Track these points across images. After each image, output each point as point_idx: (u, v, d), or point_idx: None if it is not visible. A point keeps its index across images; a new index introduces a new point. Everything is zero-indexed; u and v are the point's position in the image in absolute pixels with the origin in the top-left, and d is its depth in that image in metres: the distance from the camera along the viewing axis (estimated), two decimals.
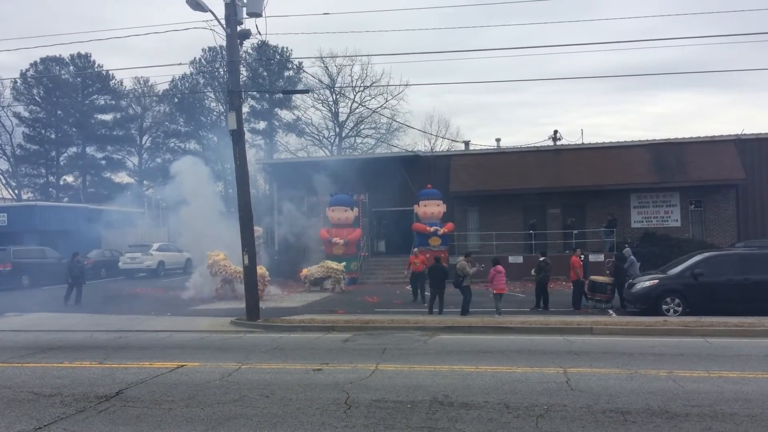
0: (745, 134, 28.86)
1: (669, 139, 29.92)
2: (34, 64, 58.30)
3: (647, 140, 30.14)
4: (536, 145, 33.31)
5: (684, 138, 29.73)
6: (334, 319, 16.71)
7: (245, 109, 53.10)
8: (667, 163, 28.41)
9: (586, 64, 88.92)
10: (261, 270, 22.65)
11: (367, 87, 52.65)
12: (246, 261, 17.10)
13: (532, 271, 19.44)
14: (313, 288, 24.87)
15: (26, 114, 58.41)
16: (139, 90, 60.42)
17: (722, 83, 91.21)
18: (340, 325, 15.54)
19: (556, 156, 30.57)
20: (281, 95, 54.45)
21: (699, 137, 29.56)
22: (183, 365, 11.29)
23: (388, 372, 10.39)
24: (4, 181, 58.99)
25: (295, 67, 55.60)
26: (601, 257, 26.02)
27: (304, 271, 25.18)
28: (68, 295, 21.69)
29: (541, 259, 19.09)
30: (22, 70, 57.87)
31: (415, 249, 22.21)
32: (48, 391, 9.54)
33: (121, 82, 62.08)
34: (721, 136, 29.28)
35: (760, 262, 16.71)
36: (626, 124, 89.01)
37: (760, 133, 28.99)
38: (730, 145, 28.38)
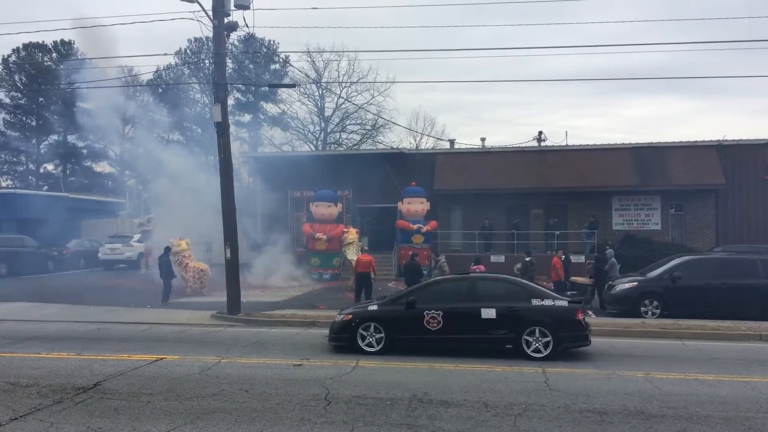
0: (726, 140, 29.21)
1: (651, 143, 30.19)
2: (16, 50, 57.43)
3: (630, 143, 30.39)
4: (521, 145, 33.46)
5: (666, 142, 30.03)
6: (316, 314, 16.69)
7: (230, 101, 52.68)
8: (649, 166, 28.67)
9: (567, 66, 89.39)
10: (202, 266, 22.44)
11: (354, 83, 52.54)
12: (228, 254, 17.03)
13: (516, 269, 19.56)
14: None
15: (7, 101, 57.54)
16: (123, 79, 59.69)
17: (703, 89, 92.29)
18: (321, 321, 15.50)
19: (540, 157, 30.71)
20: (267, 89, 54.13)
21: (681, 142, 29.88)
22: (162, 358, 11.23)
23: (369, 369, 10.41)
24: None
25: (281, 60, 55.30)
26: (582, 258, 26.22)
27: None
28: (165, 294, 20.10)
29: (527, 259, 19.20)
30: (3, 56, 57.01)
31: (365, 248, 22.03)
32: (25, 382, 9.44)
33: (104, 71, 61.26)
34: (703, 141, 29.58)
35: (738, 267, 16.96)
36: (606, 127, 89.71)
37: (741, 139, 29.36)
38: (711, 151, 28.70)
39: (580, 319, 11.63)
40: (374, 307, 12.52)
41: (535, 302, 11.79)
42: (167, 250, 20.83)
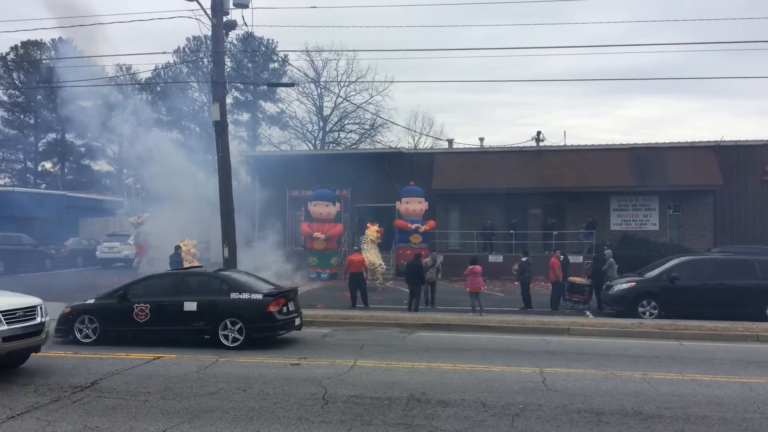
0: (724, 141, 29.22)
1: (649, 143, 30.22)
2: (14, 48, 57.32)
3: (628, 144, 30.39)
4: (519, 145, 33.48)
5: (664, 143, 30.05)
6: (313, 314, 16.65)
7: (229, 100, 52.64)
8: (647, 167, 28.69)
9: (565, 66, 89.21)
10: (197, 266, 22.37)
11: (353, 82, 52.49)
12: (226, 253, 17.03)
13: (514, 269, 19.54)
14: None
15: (5, 98, 57.44)
16: (121, 77, 59.58)
17: (701, 90, 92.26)
18: (318, 320, 15.52)
19: (538, 157, 30.71)
20: (266, 87, 54.09)
21: (679, 142, 29.91)
22: (160, 357, 11.22)
23: (366, 368, 10.41)
24: None
25: (280, 59, 55.26)
26: (580, 259, 26.22)
27: None
28: None
29: (524, 259, 19.18)
30: (1, 54, 56.90)
31: (355, 247, 22.01)
32: (21, 380, 9.42)
33: (103, 69, 61.16)
34: (701, 142, 29.62)
35: (735, 268, 16.99)
36: (604, 127, 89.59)
37: (739, 140, 29.38)
38: (709, 152, 28.71)
39: (272, 311, 12.31)
40: (91, 301, 13.34)
41: (234, 296, 12.55)
42: (177, 248, 20.72)
